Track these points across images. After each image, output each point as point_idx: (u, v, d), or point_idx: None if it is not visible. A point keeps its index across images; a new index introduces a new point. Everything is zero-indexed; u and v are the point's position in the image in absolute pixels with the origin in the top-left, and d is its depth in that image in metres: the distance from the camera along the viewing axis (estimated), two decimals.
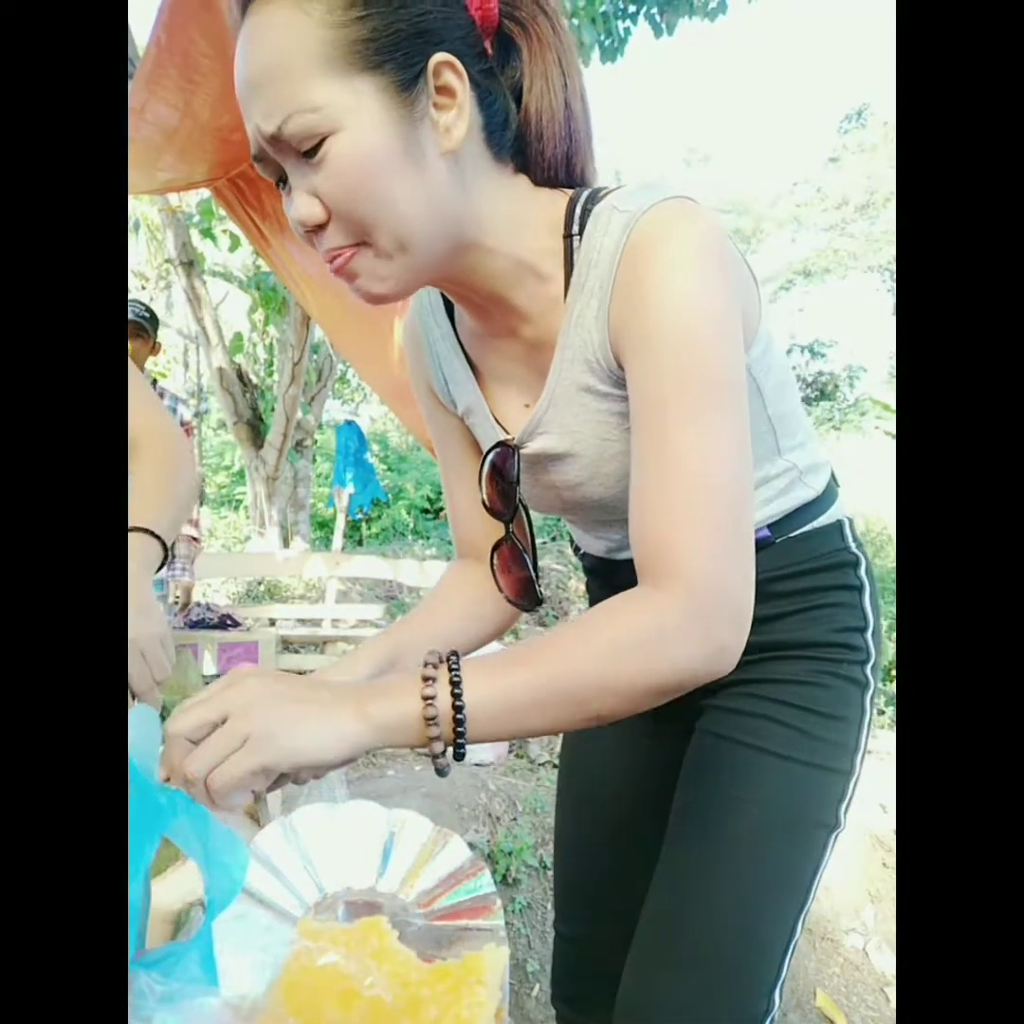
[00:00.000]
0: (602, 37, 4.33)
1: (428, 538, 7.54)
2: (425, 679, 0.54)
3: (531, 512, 0.81)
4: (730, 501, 0.58)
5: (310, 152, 0.57)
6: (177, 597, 2.90)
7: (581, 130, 0.68)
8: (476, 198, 0.63)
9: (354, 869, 0.58)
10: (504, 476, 0.75)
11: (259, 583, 5.59)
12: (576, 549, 0.92)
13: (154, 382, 2.81)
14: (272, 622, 4.17)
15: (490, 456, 0.75)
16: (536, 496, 0.78)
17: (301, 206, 0.60)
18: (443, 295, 0.78)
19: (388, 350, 2.77)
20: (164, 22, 2.06)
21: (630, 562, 0.61)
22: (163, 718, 0.55)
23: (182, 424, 2.69)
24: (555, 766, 1.97)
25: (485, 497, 0.77)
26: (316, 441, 6.77)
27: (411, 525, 7.97)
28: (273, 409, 5.77)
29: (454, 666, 0.55)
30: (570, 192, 0.67)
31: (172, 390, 3.00)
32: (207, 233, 4.39)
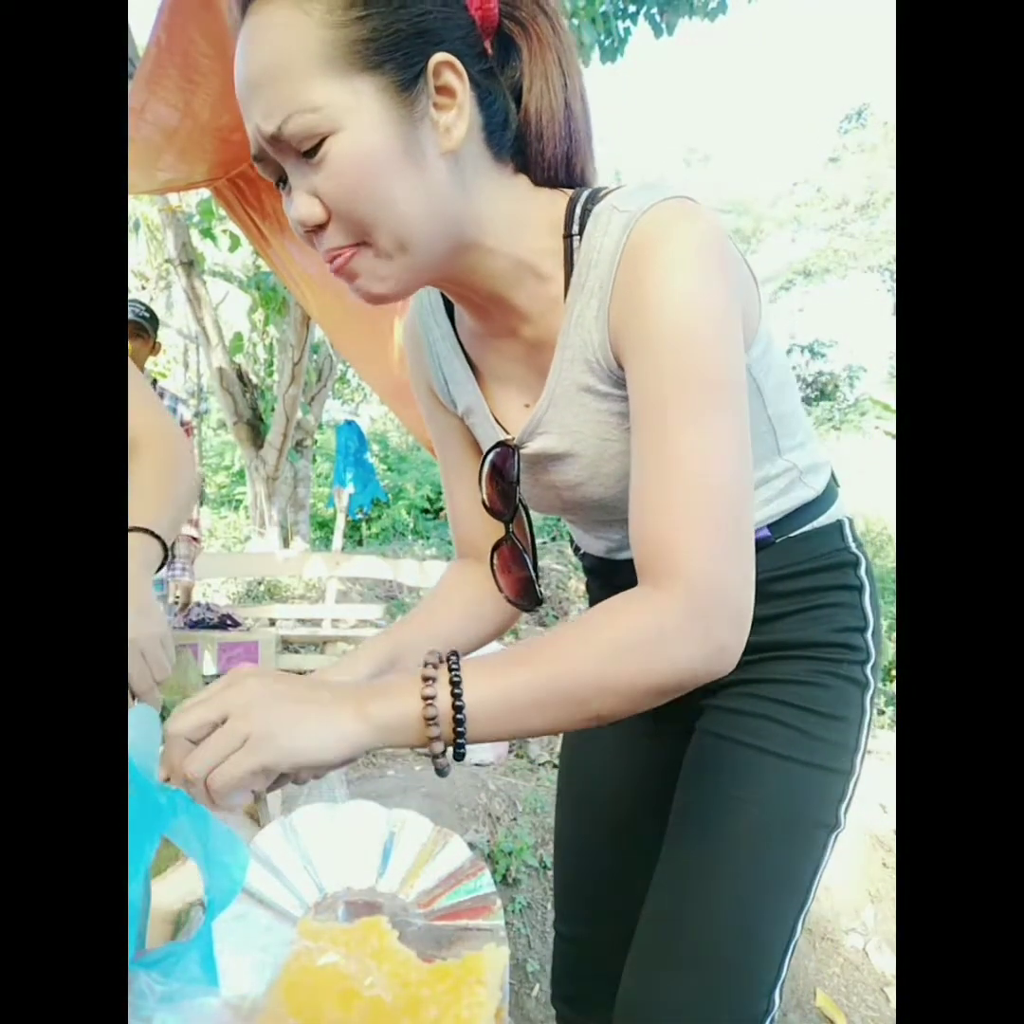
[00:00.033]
0: (602, 37, 4.33)
1: (428, 538, 7.54)
2: (425, 679, 0.54)
3: (531, 512, 0.81)
4: (730, 501, 0.58)
5: (310, 152, 0.57)
6: (177, 597, 2.90)
7: (581, 130, 0.68)
8: (476, 198, 0.63)
9: (354, 869, 0.58)
10: (504, 476, 0.75)
11: (259, 583, 5.58)
12: (576, 549, 0.92)
13: (154, 382, 2.81)
14: (272, 622, 4.17)
15: (490, 456, 0.75)
16: (536, 496, 0.78)
17: (301, 206, 0.60)
18: (443, 295, 0.78)
19: (388, 350, 2.77)
20: (164, 22, 2.06)
21: (630, 562, 0.61)
22: (163, 718, 0.55)
23: (182, 424, 2.69)
24: (555, 766, 1.97)
25: (485, 497, 0.77)
26: (316, 441, 6.77)
27: (411, 525, 7.97)
28: (273, 409, 5.77)
29: (454, 666, 0.55)
30: (570, 192, 0.67)
31: (172, 390, 3.00)
32: (207, 233, 4.39)
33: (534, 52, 0.65)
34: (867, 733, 0.77)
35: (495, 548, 0.80)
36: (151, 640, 0.79)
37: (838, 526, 0.79)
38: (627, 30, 4.46)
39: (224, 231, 4.41)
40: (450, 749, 0.55)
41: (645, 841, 0.83)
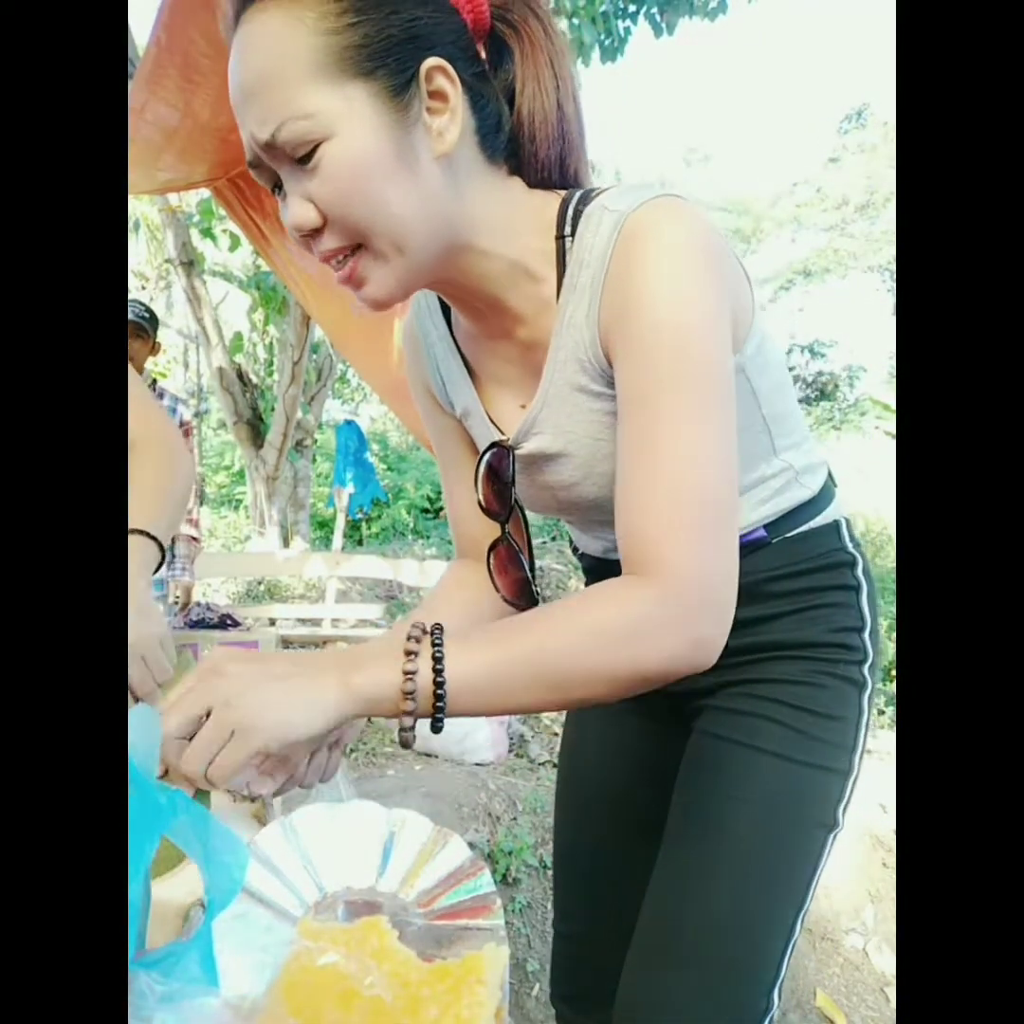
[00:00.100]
0: (602, 37, 4.33)
1: (428, 538, 7.54)
2: (407, 653, 0.55)
3: (529, 512, 0.81)
4: (714, 496, 0.58)
5: (304, 158, 0.58)
6: (177, 597, 2.90)
7: (574, 131, 0.68)
8: (470, 200, 0.63)
9: (354, 869, 0.58)
10: (500, 477, 0.75)
11: (259, 583, 5.59)
12: (575, 549, 0.92)
13: (154, 382, 2.81)
14: (272, 622, 4.18)
15: (486, 457, 0.75)
16: (532, 496, 0.79)
17: (296, 211, 0.60)
18: (440, 298, 0.78)
19: (388, 349, 2.77)
20: (164, 22, 2.06)
21: None
22: None
23: (182, 424, 2.69)
24: (555, 766, 1.97)
25: (481, 497, 0.77)
26: (316, 441, 6.77)
27: (411, 525, 7.97)
28: (273, 409, 5.77)
29: (437, 640, 0.55)
30: (563, 193, 0.68)
31: (172, 390, 2.99)
32: (207, 233, 4.40)
33: (526, 54, 0.65)
34: (865, 733, 0.77)
35: (491, 548, 0.80)
36: (151, 642, 0.79)
37: (835, 526, 0.79)
38: (627, 30, 4.46)
39: (224, 231, 4.41)
40: (425, 721, 0.56)
41: (644, 841, 0.83)
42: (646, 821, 0.84)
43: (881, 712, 3.62)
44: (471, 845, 2.12)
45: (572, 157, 0.69)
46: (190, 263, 5.21)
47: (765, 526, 0.76)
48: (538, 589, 0.80)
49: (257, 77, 0.57)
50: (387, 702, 0.54)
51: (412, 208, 0.60)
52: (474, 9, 0.62)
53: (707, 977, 0.71)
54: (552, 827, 0.99)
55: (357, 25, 0.57)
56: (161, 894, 0.55)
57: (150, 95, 2.24)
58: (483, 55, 0.64)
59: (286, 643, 3.62)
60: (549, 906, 2.06)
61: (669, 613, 0.56)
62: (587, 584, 0.94)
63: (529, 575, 0.79)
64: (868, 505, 6.70)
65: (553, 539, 6.30)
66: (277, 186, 0.62)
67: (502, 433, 0.76)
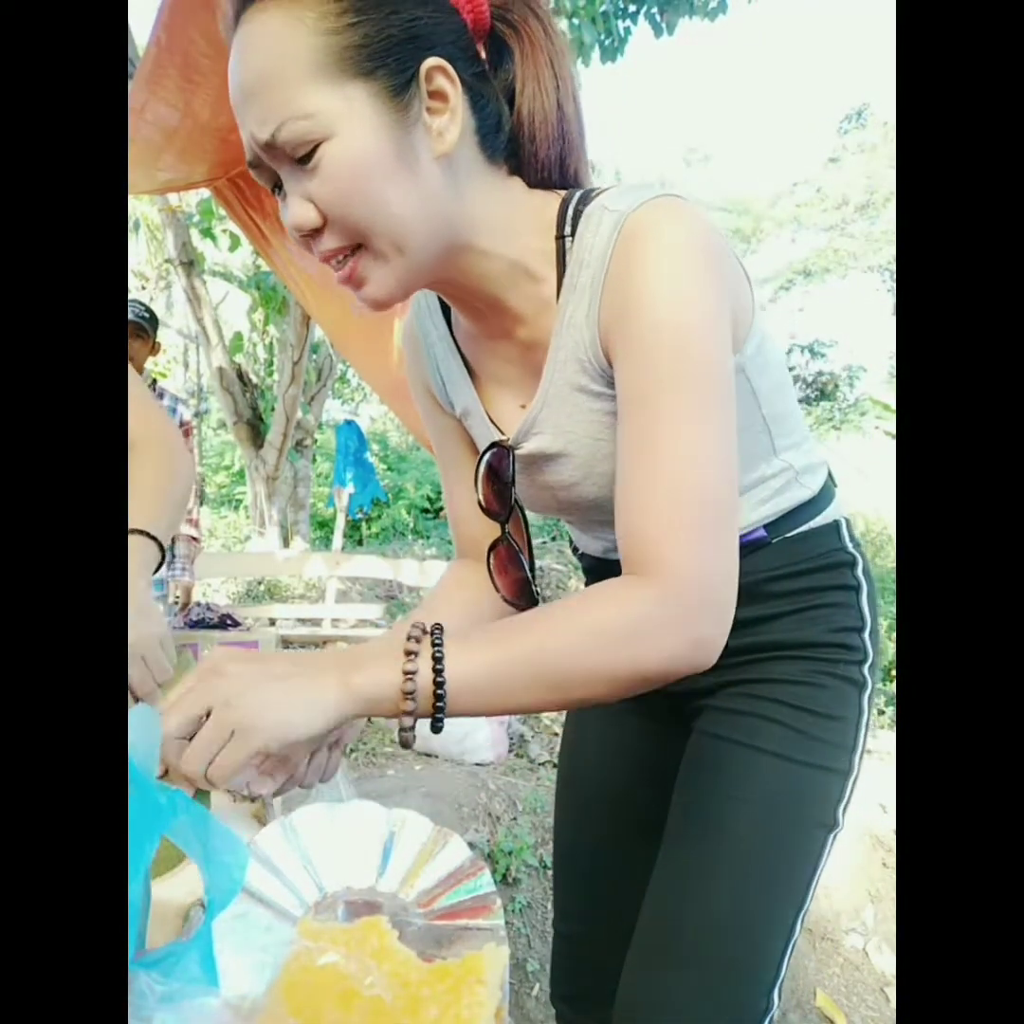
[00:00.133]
0: (602, 37, 4.33)
1: (428, 538, 7.53)
2: (407, 653, 0.55)
3: (529, 512, 0.81)
4: (714, 496, 0.58)
5: (304, 158, 0.58)
6: (177, 597, 2.90)
7: (574, 131, 0.68)
8: (470, 200, 0.63)
9: (354, 869, 0.58)
10: (500, 477, 0.75)
11: (259, 583, 5.59)
12: (575, 549, 0.92)
13: (154, 382, 2.81)
14: (272, 622, 4.18)
15: (486, 457, 0.75)
16: (532, 497, 0.79)
17: (296, 211, 0.60)
18: (440, 298, 0.78)
19: (388, 349, 2.77)
20: (164, 22, 2.06)
21: None
22: None
23: (182, 424, 2.69)
24: (555, 766, 1.97)
25: (481, 497, 0.77)
26: (316, 441, 6.78)
27: (411, 525, 7.97)
28: (273, 409, 5.77)
29: (437, 640, 0.55)
30: (563, 193, 0.68)
31: (172, 390, 2.99)
32: (207, 233, 4.40)
33: (526, 54, 0.65)
34: (865, 733, 0.77)
35: (491, 548, 0.80)
36: (151, 642, 0.79)
37: (835, 526, 0.79)
38: (627, 30, 4.47)
39: (224, 231, 4.41)
40: (425, 721, 0.56)
41: (644, 841, 0.83)
42: (646, 821, 0.84)
43: (881, 712, 3.62)
44: (471, 845, 2.12)
45: (572, 157, 0.69)
46: (190, 263, 5.21)
47: (765, 526, 0.76)
48: (538, 589, 0.80)
49: (257, 77, 0.57)
50: (387, 702, 0.54)
51: (412, 208, 0.60)
52: (474, 9, 0.62)
53: (707, 977, 0.71)
54: (552, 827, 0.99)
55: (357, 25, 0.57)
56: (161, 894, 0.55)
57: (150, 95, 2.24)
58: (483, 55, 0.64)
59: (286, 643, 3.62)
60: (549, 906, 2.06)
61: (669, 613, 0.56)
62: (587, 584, 0.94)
63: (529, 575, 0.79)
64: (868, 505, 6.70)
65: (553, 539, 6.30)
66: (277, 186, 0.62)
67: (502, 433, 0.76)
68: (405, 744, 0.57)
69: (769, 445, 0.75)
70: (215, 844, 0.47)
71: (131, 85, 2.23)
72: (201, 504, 3.80)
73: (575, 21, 4.17)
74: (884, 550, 6.30)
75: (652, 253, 0.59)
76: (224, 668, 0.54)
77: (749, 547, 0.75)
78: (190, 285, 5.29)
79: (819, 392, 13.46)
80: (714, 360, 0.60)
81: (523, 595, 0.81)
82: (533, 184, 0.68)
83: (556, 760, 1.03)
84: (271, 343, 7.12)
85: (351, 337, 3.13)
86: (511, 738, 3.03)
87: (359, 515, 7.05)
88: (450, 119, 0.60)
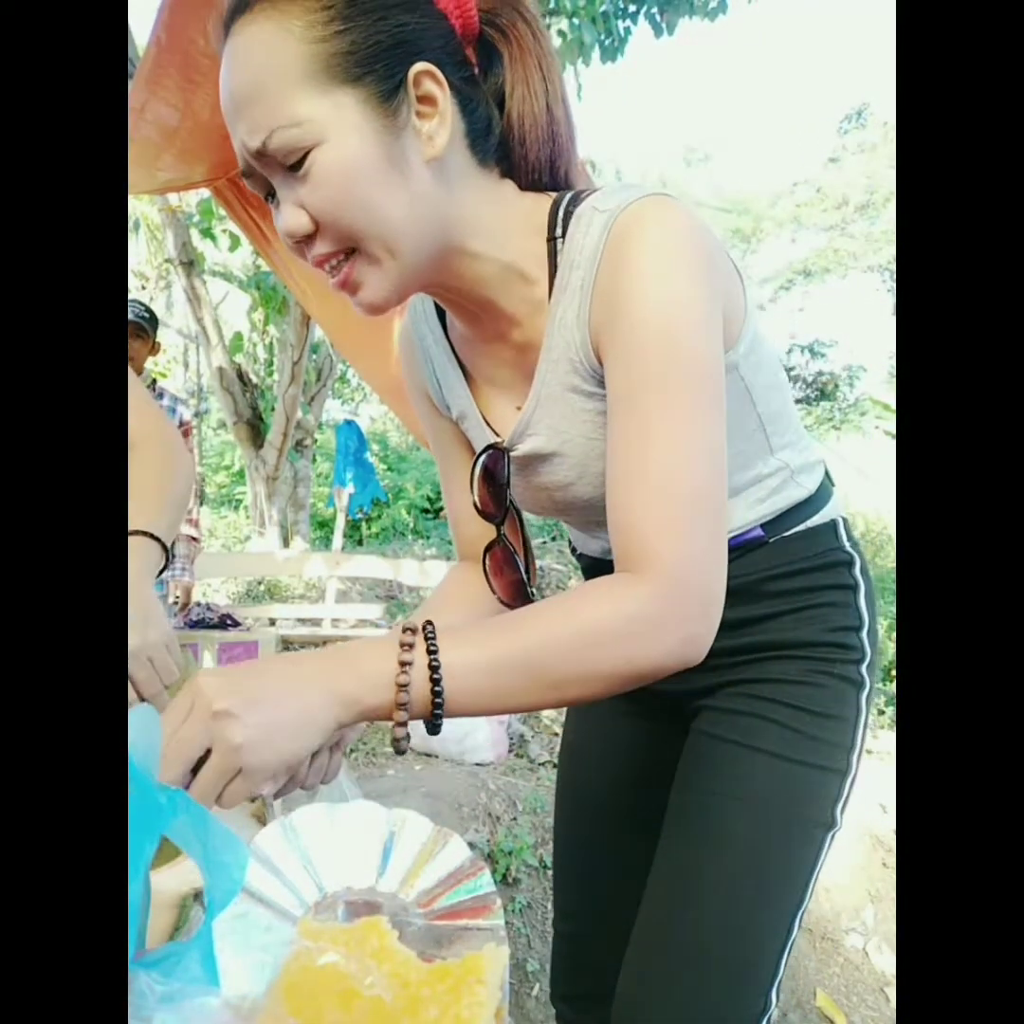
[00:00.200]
0: (602, 37, 4.33)
1: (428, 538, 7.54)
2: (403, 645, 0.55)
3: (529, 514, 0.81)
4: (706, 493, 0.59)
5: (295, 165, 0.58)
6: (177, 597, 2.90)
7: (563, 134, 0.69)
8: (461, 203, 0.64)
9: (354, 869, 0.58)
10: (495, 478, 0.76)
11: (259, 583, 5.59)
12: (573, 550, 0.92)
13: (154, 382, 2.81)
14: (272, 622, 4.18)
15: (482, 458, 0.76)
16: (529, 498, 0.79)
17: (288, 218, 0.61)
18: (436, 302, 0.79)
19: (388, 349, 2.77)
20: (164, 22, 2.06)
21: None
22: None
23: (182, 424, 2.69)
24: (555, 766, 1.97)
25: (477, 499, 0.78)
26: (316, 441, 6.78)
27: (411, 525, 7.98)
28: (273, 409, 5.78)
29: (430, 635, 0.55)
30: (554, 195, 0.68)
31: (172, 390, 2.99)
32: (207, 233, 4.40)
33: (515, 58, 0.66)
34: (863, 732, 0.77)
35: (487, 550, 0.80)
36: (157, 645, 0.79)
37: (832, 525, 0.79)
38: (627, 30, 4.47)
39: (224, 231, 4.42)
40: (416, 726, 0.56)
41: (643, 841, 0.83)
42: (646, 821, 0.84)
43: (881, 712, 3.62)
44: (471, 845, 2.13)
45: (562, 159, 0.69)
46: (190, 263, 5.21)
47: (762, 525, 0.76)
48: (535, 590, 0.80)
49: (247, 87, 0.58)
50: (381, 701, 0.54)
51: (403, 211, 0.60)
52: (462, 14, 0.63)
53: (704, 977, 0.71)
54: (552, 827, 1.00)
55: (344, 32, 0.57)
56: (155, 884, 0.55)
57: (150, 95, 2.24)
58: (472, 59, 0.65)
59: (286, 643, 3.62)
60: (549, 906, 2.06)
61: (662, 611, 0.57)
62: None
63: (525, 577, 0.79)
64: (868, 505, 6.69)
65: (553, 539, 6.30)
66: (270, 194, 0.63)
67: (497, 435, 0.76)
68: (399, 750, 0.57)
69: (765, 444, 0.75)
70: (215, 844, 0.47)
71: (131, 85, 2.23)
72: (201, 504, 3.80)
73: (575, 21, 4.17)
74: (884, 550, 6.29)
75: (640, 252, 0.60)
76: (215, 704, 0.51)
77: (746, 546, 0.75)
78: (190, 285, 5.29)
79: (819, 392, 13.45)
80: (703, 357, 0.60)
81: (519, 597, 0.81)
82: (524, 187, 0.69)
83: (556, 760, 1.03)
84: (271, 343, 7.12)
85: (351, 337, 3.13)
86: (511, 738, 3.03)
87: (359, 515, 7.05)
88: (439, 123, 0.61)
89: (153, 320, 2.59)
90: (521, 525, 0.79)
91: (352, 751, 2.79)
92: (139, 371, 2.59)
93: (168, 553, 0.87)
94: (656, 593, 0.57)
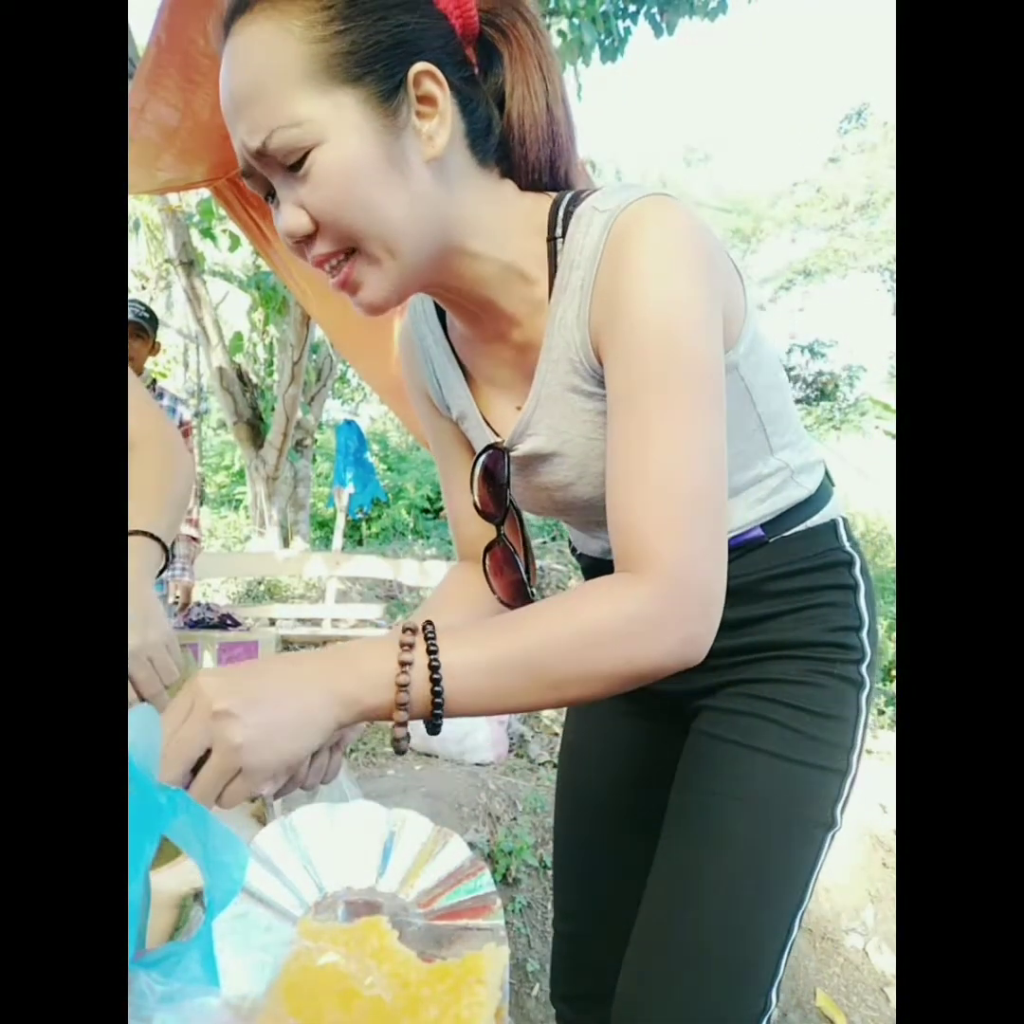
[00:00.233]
0: (602, 37, 4.33)
1: (428, 538, 7.54)
2: (403, 645, 0.54)
3: (529, 515, 0.81)
4: (705, 493, 0.59)
5: (295, 165, 0.58)
6: (177, 597, 2.90)
7: (563, 133, 0.69)
8: (461, 203, 0.64)
9: (354, 869, 0.58)
10: (495, 478, 0.76)
11: (259, 583, 5.59)
12: (574, 550, 0.92)
13: (154, 382, 2.81)
14: (272, 622, 4.18)
15: (482, 458, 0.76)
16: (529, 498, 0.79)
17: (288, 218, 0.61)
18: (436, 303, 0.79)
19: (388, 349, 2.77)
20: (164, 22, 2.06)
21: None
22: None
23: (182, 424, 2.69)
24: (555, 766, 1.97)
25: (477, 499, 0.78)
26: (316, 441, 6.78)
27: (411, 525, 7.97)
28: (273, 409, 5.78)
29: (430, 634, 0.55)
30: (554, 195, 0.68)
31: (172, 390, 2.99)
32: (207, 233, 4.40)
33: (515, 58, 0.66)
34: (864, 732, 0.77)
35: (487, 550, 0.80)
36: (157, 645, 0.79)
37: (832, 525, 0.79)
38: (627, 30, 4.47)
39: (224, 231, 4.42)
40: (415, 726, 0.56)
41: (643, 841, 0.83)
42: (646, 821, 0.84)
43: (881, 712, 3.62)
44: (471, 845, 2.13)
45: (562, 159, 0.69)
46: (190, 263, 5.21)
47: (762, 525, 0.76)
48: (535, 590, 0.80)
49: (247, 87, 0.58)
50: (380, 701, 0.54)
51: (403, 211, 0.60)
52: (462, 14, 0.63)
53: (704, 977, 0.71)
54: (552, 827, 1.00)
55: (344, 32, 0.57)
56: (155, 884, 0.55)
57: (150, 95, 2.24)
58: (473, 59, 0.65)
59: (286, 643, 3.62)
60: (549, 906, 2.06)
61: (662, 611, 0.57)
62: None
63: (525, 577, 0.79)
64: (868, 505, 6.69)
65: (553, 539, 6.30)
66: (270, 194, 0.63)
67: (497, 435, 0.76)
68: (399, 750, 0.57)
69: (765, 444, 0.75)
70: (215, 844, 0.47)
71: (131, 85, 2.23)
72: (201, 504, 3.80)
73: (575, 21, 4.17)
74: (884, 550, 6.29)
75: (640, 252, 0.60)
76: (215, 704, 0.51)
77: (746, 546, 0.75)
78: (190, 285, 5.29)
79: (819, 392, 13.45)
80: (703, 357, 0.60)
81: (519, 597, 0.81)
82: (524, 187, 0.69)
83: (556, 760, 1.03)
84: (271, 343, 7.12)
85: (351, 337, 3.13)
86: (511, 738, 3.03)
87: (359, 515, 7.05)
88: (439, 123, 0.61)
89: (153, 320, 2.59)
90: (521, 525, 0.79)
91: (352, 751, 2.79)
92: (139, 371, 2.59)
93: (168, 553, 0.87)
94: (656, 593, 0.57)
